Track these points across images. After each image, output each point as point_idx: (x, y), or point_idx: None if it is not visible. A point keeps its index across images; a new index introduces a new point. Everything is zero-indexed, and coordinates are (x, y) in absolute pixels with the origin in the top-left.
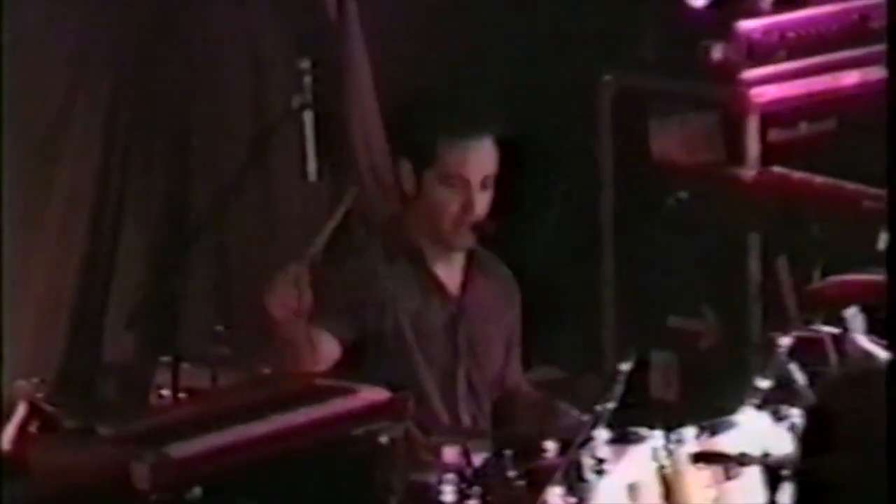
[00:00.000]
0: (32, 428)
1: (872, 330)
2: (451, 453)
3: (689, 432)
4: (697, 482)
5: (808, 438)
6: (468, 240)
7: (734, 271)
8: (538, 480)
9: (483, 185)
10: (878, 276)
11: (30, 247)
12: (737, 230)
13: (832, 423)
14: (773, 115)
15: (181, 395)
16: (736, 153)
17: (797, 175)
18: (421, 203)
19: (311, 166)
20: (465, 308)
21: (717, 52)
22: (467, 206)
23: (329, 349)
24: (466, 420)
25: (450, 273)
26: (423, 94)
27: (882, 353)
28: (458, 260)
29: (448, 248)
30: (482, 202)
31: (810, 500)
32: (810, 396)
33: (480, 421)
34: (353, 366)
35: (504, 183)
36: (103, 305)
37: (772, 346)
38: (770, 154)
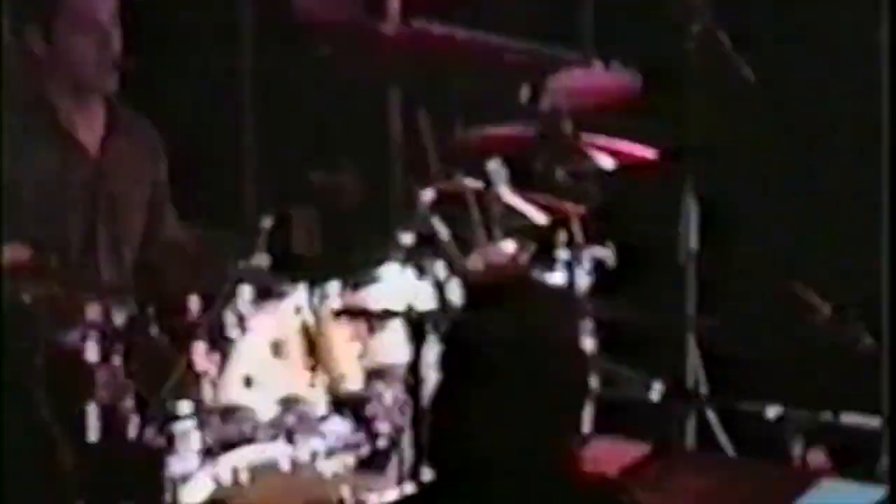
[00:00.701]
0: None
1: (514, 182)
2: (93, 311)
3: (333, 287)
4: (341, 337)
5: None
6: (111, 81)
7: (375, 125)
8: (181, 337)
9: (114, 23)
10: (518, 130)
11: None
12: (378, 84)
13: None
14: None
15: None
16: (377, 7)
17: (438, 29)
18: (56, 56)
19: None
20: (106, 166)
21: None
22: (105, 44)
23: None
24: (107, 277)
25: (89, 132)
26: None
27: (529, 210)
28: (98, 118)
29: (91, 91)
30: (116, 39)
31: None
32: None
33: (122, 279)
34: None
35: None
36: None
37: (414, 199)
38: (410, 8)
